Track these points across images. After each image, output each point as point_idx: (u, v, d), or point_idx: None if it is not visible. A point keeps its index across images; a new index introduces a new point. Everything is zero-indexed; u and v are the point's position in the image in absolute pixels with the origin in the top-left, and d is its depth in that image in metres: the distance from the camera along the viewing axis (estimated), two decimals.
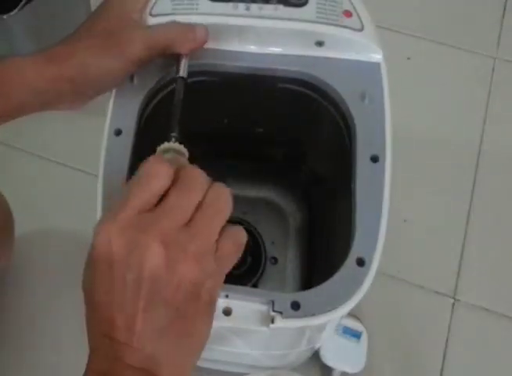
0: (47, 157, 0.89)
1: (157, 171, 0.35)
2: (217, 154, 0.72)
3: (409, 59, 0.98)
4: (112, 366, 0.33)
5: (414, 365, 0.77)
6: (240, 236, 0.38)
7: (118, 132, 0.51)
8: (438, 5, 1.02)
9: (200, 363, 0.71)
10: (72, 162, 0.88)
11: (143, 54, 0.48)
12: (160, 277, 0.33)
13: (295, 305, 0.45)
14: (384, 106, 0.52)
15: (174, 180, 0.36)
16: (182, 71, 0.50)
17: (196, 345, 0.37)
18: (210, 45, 0.54)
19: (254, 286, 0.72)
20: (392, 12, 1.00)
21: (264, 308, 0.46)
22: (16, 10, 0.74)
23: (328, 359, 0.72)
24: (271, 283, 0.73)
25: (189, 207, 0.35)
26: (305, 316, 0.45)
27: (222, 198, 0.36)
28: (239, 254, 0.38)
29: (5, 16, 0.74)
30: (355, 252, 0.47)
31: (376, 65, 0.54)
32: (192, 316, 0.35)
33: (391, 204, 0.49)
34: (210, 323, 0.37)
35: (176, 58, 0.50)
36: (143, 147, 0.53)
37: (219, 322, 0.46)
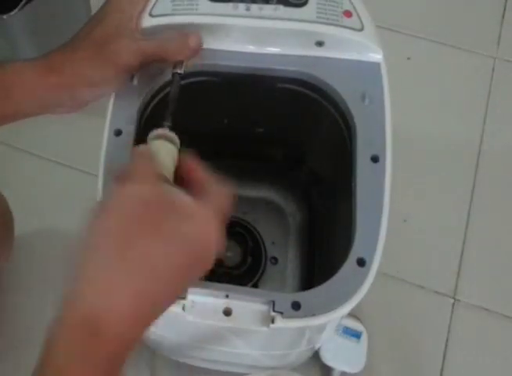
0: (47, 157, 0.89)
1: None
2: (217, 154, 0.72)
3: (409, 59, 0.97)
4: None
5: (414, 365, 0.77)
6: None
7: (118, 132, 0.51)
8: (438, 5, 1.02)
9: (200, 363, 0.71)
10: (72, 162, 0.88)
11: (136, 64, 0.49)
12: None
13: (295, 306, 0.45)
14: (384, 106, 0.52)
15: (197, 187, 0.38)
16: (179, 68, 0.50)
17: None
18: (210, 45, 0.54)
19: (255, 286, 0.72)
20: (392, 12, 1.00)
21: (264, 308, 0.46)
22: (16, 10, 0.74)
23: (328, 359, 0.72)
24: (271, 283, 0.73)
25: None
26: (306, 316, 0.45)
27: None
28: None
29: (5, 16, 0.74)
30: (355, 252, 0.47)
31: (377, 65, 0.54)
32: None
33: (391, 204, 0.49)
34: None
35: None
36: None
37: (219, 322, 0.46)
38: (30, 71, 0.48)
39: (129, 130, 0.51)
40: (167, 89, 0.55)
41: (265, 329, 0.45)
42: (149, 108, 0.55)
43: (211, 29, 0.53)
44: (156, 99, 0.55)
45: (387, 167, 0.50)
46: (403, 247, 0.82)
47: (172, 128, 0.45)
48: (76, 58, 0.49)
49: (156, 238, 0.34)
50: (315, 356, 0.72)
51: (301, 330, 0.51)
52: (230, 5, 0.52)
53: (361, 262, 0.47)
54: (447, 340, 0.78)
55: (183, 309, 0.46)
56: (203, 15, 0.52)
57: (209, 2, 0.53)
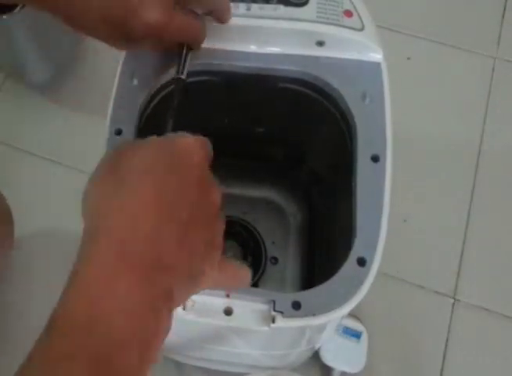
0: (47, 157, 0.89)
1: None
2: (217, 154, 0.72)
3: (409, 59, 0.97)
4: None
5: (414, 365, 0.77)
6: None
7: (118, 132, 0.51)
8: (438, 5, 1.02)
9: (200, 363, 0.71)
10: (72, 162, 0.88)
11: (155, 28, 0.44)
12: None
13: (296, 305, 0.45)
14: (384, 106, 0.52)
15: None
16: (182, 72, 0.49)
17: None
18: (210, 44, 0.54)
19: (255, 286, 0.72)
20: (392, 12, 1.00)
21: (265, 307, 0.46)
22: (16, 10, 0.74)
23: (328, 359, 0.72)
24: (271, 283, 0.73)
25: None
26: (306, 315, 0.45)
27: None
28: None
29: (5, 16, 0.74)
30: (355, 252, 0.47)
31: (377, 65, 0.54)
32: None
33: (391, 204, 0.49)
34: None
35: (177, 61, 0.50)
36: None
37: (220, 322, 0.46)
38: None
39: (130, 130, 0.51)
40: (168, 88, 0.55)
41: (265, 328, 0.45)
42: (150, 107, 0.55)
43: (211, 29, 0.53)
44: (157, 99, 0.55)
45: (387, 167, 0.50)
46: (403, 247, 0.82)
47: None
48: None
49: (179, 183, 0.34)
50: (315, 356, 0.72)
51: (301, 329, 0.51)
52: (230, 5, 0.52)
53: (361, 262, 0.47)
54: (447, 340, 0.78)
55: (183, 308, 0.46)
56: None
57: None
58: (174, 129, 0.44)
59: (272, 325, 0.45)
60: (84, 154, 0.84)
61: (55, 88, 0.92)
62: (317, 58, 0.54)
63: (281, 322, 0.45)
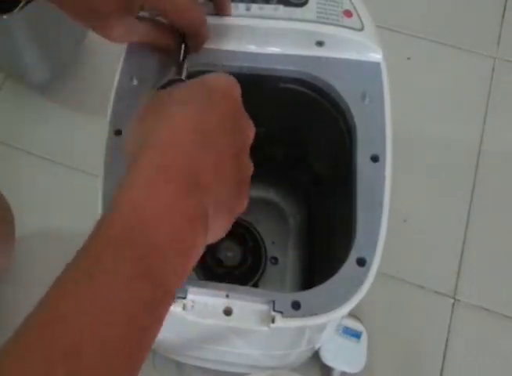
0: (47, 157, 0.89)
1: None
2: None
3: (409, 59, 0.97)
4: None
5: (414, 365, 0.77)
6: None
7: (118, 132, 0.51)
8: (438, 5, 1.02)
9: (200, 363, 0.71)
10: (72, 162, 0.88)
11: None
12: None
13: (296, 305, 0.45)
14: (384, 106, 0.52)
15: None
16: (181, 73, 0.49)
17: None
18: (210, 45, 0.54)
19: (255, 286, 0.72)
20: (392, 12, 1.00)
21: (264, 308, 0.46)
22: (16, 10, 0.74)
23: (328, 359, 0.72)
24: (271, 283, 0.73)
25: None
26: (306, 315, 0.45)
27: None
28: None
29: (5, 16, 0.74)
30: (355, 252, 0.47)
31: (377, 65, 0.54)
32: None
33: (391, 204, 0.49)
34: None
35: (176, 61, 0.50)
36: None
37: (220, 322, 0.46)
38: None
39: None
40: (168, 89, 0.55)
41: (265, 329, 0.45)
42: None
43: (211, 29, 0.53)
44: None
45: (387, 167, 0.50)
46: (403, 247, 0.82)
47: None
48: None
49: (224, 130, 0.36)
50: (315, 356, 0.72)
51: (301, 329, 0.51)
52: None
53: (361, 262, 0.47)
54: (447, 340, 0.78)
55: (183, 308, 0.46)
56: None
57: (209, 2, 0.53)
58: None
59: (272, 325, 0.45)
60: (85, 154, 0.84)
61: (55, 88, 0.92)
62: (317, 58, 0.54)
63: (281, 322, 0.45)
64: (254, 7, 0.52)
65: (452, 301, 0.80)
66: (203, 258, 0.74)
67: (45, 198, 0.85)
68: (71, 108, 0.92)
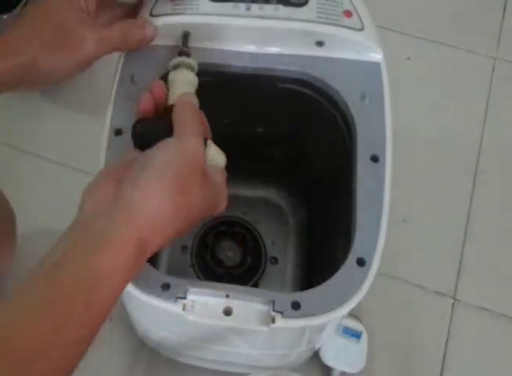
0: (47, 157, 0.88)
1: None
2: None
3: (409, 59, 0.97)
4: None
5: (414, 365, 0.77)
6: None
7: (118, 132, 0.51)
8: (438, 5, 1.02)
9: (200, 363, 0.71)
10: (72, 162, 0.88)
11: (95, 53, 0.50)
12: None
13: (295, 305, 0.45)
14: (384, 106, 0.52)
15: None
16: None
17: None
18: (210, 44, 0.54)
19: (255, 286, 0.72)
20: (392, 12, 1.00)
21: (264, 308, 0.46)
22: (16, 10, 0.74)
23: (328, 359, 0.72)
24: (271, 283, 0.73)
25: None
26: (306, 316, 0.45)
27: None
28: None
29: (5, 16, 0.74)
30: (355, 252, 0.47)
31: (377, 65, 0.54)
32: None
33: (391, 204, 0.49)
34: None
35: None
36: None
37: (220, 322, 0.46)
38: None
39: (130, 130, 0.51)
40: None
41: (265, 329, 0.45)
42: None
43: (211, 29, 0.53)
44: None
45: (387, 167, 0.50)
46: (403, 247, 0.82)
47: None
48: (32, 42, 0.48)
49: (201, 190, 0.41)
50: (315, 356, 0.72)
51: (301, 329, 0.51)
52: (230, 4, 0.52)
53: (361, 262, 0.47)
54: (447, 340, 0.78)
55: (183, 308, 0.46)
56: (203, 15, 0.52)
57: (209, 2, 0.53)
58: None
59: (272, 325, 0.45)
60: (85, 154, 0.84)
61: (55, 88, 0.92)
62: (317, 58, 0.54)
63: (281, 322, 0.45)
64: (255, 7, 0.52)
65: (452, 301, 0.80)
66: (203, 258, 0.74)
67: (45, 198, 0.85)
68: (71, 108, 0.92)
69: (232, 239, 0.74)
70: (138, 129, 0.44)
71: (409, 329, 0.78)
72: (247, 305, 0.46)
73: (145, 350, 0.74)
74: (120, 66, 0.54)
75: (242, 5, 0.52)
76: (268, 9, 0.52)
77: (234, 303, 0.46)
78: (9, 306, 0.35)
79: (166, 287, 0.46)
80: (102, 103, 0.52)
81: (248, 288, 0.56)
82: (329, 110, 0.55)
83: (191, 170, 0.40)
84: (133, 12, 0.55)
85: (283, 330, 0.47)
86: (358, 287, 0.46)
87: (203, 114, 0.46)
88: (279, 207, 0.78)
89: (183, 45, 0.52)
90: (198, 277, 0.72)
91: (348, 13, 0.53)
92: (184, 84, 0.47)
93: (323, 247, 0.69)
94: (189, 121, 0.42)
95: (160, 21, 0.53)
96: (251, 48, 0.54)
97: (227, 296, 0.46)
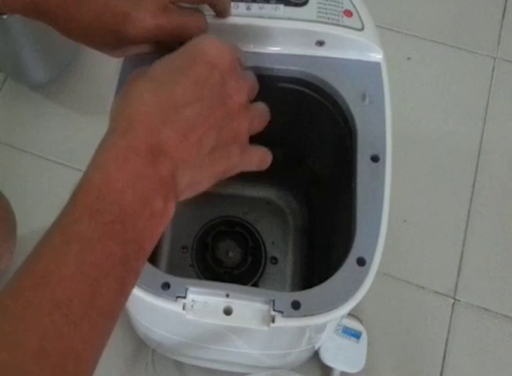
0: (47, 157, 0.89)
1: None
2: None
3: (409, 59, 0.97)
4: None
5: (414, 365, 0.77)
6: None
7: None
8: (437, 5, 1.02)
9: (200, 363, 0.71)
10: (72, 162, 0.88)
11: (148, 40, 0.45)
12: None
13: (296, 305, 0.45)
14: (384, 106, 0.52)
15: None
16: None
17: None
18: None
19: (255, 286, 0.72)
20: (392, 12, 1.00)
21: (264, 307, 0.46)
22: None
23: (328, 359, 0.72)
24: (271, 283, 0.73)
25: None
26: (306, 315, 0.45)
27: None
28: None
29: (5, 16, 0.74)
30: (355, 252, 0.47)
31: (377, 65, 0.54)
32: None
33: (391, 204, 0.49)
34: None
35: None
36: None
37: (220, 321, 0.46)
38: None
39: None
40: None
41: (265, 328, 0.45)
42: None
43: (212, 28, 0.53)
44: None
45: (387, 167, 0.50)
46: (403, 247, 0.82)
47: None
48: (83, 12, 0.43)
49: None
50: (315, 356, 0.72)
51: (301, 329, 0.51)
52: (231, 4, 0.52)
53: (361, 262, 0.47)
54: (447, 340, 0.78)
55: (183, 308, 0.46)
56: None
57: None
58: None
59: (272, 325, 0.45)
60: (85, 154, 0.84)
61: (56, 88, 0.92)
62: (317, 58, 0.54)
63: (281, 322, 0.45)
64: (254, 6, 0.52)
65: (452, 301, 0.80)
66: (203, 257, 0.74)
67: (45, 198, 0.85)
68: (71, 108, 0.92)
69: (232, 239, 0.74)
70: None
71: (409, 329, 0.78)
72: (247, 305, 0.46)
73: (145, 350, 0.74)
74: (120, 67, 0.54)
75: (242, 5, 0.52)
76: (268, 8, 0.52)
77: (234, 303, 0.46)
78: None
79: (166, 286, 0.46)
80: (102, 103, 0.52)
81: (248, 288, 0.56)
82: (329, 109, 0.55)
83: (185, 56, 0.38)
84: None
85: (283, 329, 0.47)
86: (358, 287, 0.46)
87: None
88: (279, 207, 0.78)
89: None
90: (198, 277, 0.72)
91: (348, 13, 0.53)
92: None
93: (323, 247, 0.69)
94: None
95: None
96: (251, 47, 0.54)
97: (227, 296, 0.46)
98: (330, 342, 0.72)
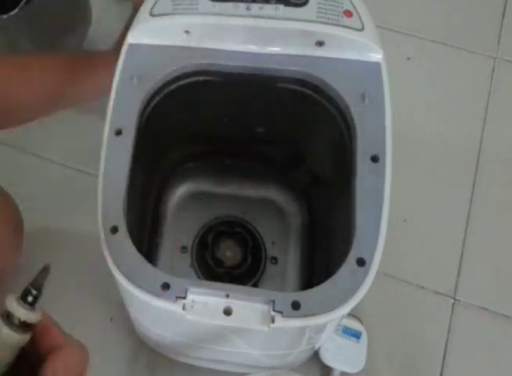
0: (47, 157, 0.88)
1: None
2: (217, 154, 0.72)
3: (409, 59, 0.97)
4: None
5: (414, 365, 0.77)
6: None
7: (118, 132, 0.51)
8: (437, 5, 1.02)
9: (200, 363, 0.71)
10: (72, 162, 0.88)
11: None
12: None
13: (295, 305, 0.45)
14: (384, 106, 0.52)
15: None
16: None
17: None
18: (210, 44, 0.54)
19: (255, 286, 0.72)
20: (392, 12, 1.00)
21: (264, 307, 0.46)
22: (16, 10, 0.74)
23: (328, 359, 0.72)
24: (271, 283, 0.73)
25: None
26: (306, 315, 0.45)
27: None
28: None
29: (5, 16, 0.74)
30: (355, 252, 0.47)
31: (377, 65, 0.54)
32: None
33: (390, 203, 0.49)
34: None
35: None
36: (143, 147, 0.53)
37: (220, 321, 0.46)
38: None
39: (130, 130, 0.51)
40: (168, 89, 0.55)
41: (265, 328, 0.45)
42: (150, 107, 0.55)
43: (211, 29, 0.53)
44: (157, 99, 0.55)
45: (387, 167, 0.50)
46: (403, 247, 0.82)
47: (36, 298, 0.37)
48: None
49: None
50: (315, 356, 0.72)
51: (301, 329, 0.51)
52: (230, 4, 0.52)
53: (361, 262, 0.47)
54: (447, 340, 0.78)
55: (183, 308, 0.46)
56: (203, 14, 0.52)
57: (209, 2, 0.53)
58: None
59: (272, 325, 0.45)
60: (85, 154, 0.84)
61: None
62: (317, 58, 0.54)
63: (281, 322, 0.45)
64: (254, 7, 0.52)
65: (452, 301, 0.80)
66: (203, 258, 0.74)
67: (45, 198, 0.85)
68: (71, 108, 0.92)
69: (232, 239, 0.74)
70: None
71: (409, 329, 0.78)
72: (247, 305, 0.46)
73: (145, 350, 0.74)
74: (120, 67, 0.54)
75: (242, 5, 0.52)
76: (268, 8, 0.52)
77: (234, 303, 0.46)
78: None
79: (166, 286, 0.46)
80: (102, 103, 0.52)
81: (248, 288, 0.56)
82: (329, 109, 0.55)
83: None
84: None
85: (283, 330, 0.47)
86: (358, 287, 0.46)
87: None
88: (279, 207, 0.78)
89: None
90: (198, 277, 0.72)
91: (348, 13, 0.53)
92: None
93: (323, 247, 0.69)
94: None
95: (160, 21, 0.53)
96: (251, 48, 0.54)
97: (227, 296, 0.46)
98: (330, 342, 0.72)
